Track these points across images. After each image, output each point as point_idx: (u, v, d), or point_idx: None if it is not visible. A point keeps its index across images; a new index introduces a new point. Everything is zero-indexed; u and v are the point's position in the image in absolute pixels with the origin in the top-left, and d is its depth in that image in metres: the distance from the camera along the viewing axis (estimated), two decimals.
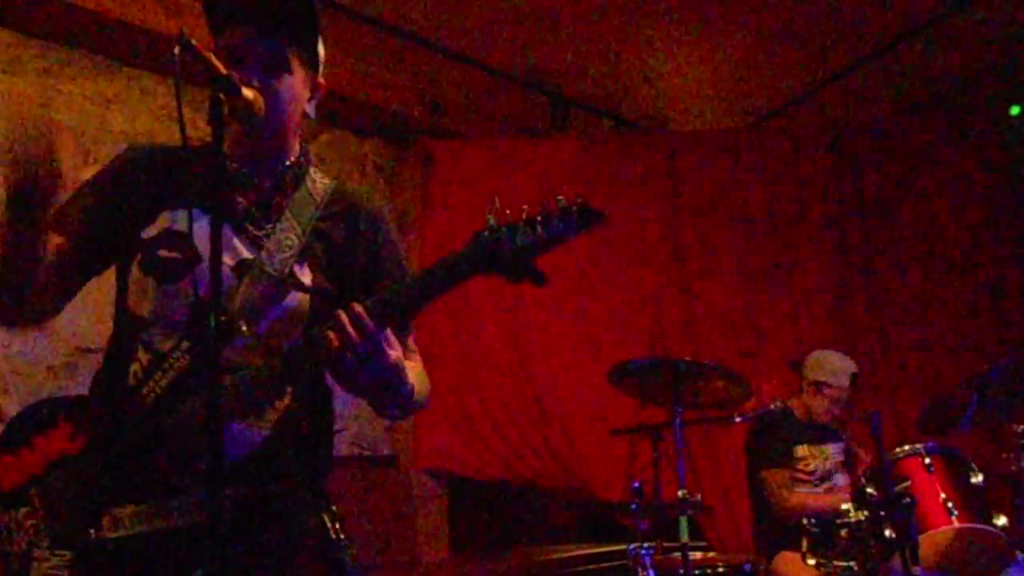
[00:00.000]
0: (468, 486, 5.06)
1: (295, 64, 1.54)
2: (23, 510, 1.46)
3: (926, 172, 5.01)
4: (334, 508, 1.61)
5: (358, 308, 1.36)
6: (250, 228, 1.54)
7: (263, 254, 1.52)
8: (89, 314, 3.86)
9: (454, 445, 4.89)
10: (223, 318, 1.43)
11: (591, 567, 4.27)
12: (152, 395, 1.46)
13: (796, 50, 4.78)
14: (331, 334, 1.36)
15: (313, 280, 1.55)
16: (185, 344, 1.46)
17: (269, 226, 1.55)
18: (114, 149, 4.21)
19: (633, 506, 3.29)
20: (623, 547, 3.41)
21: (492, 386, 4.87)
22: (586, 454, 4.71)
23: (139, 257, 1.51)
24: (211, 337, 1.25)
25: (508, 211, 1.36)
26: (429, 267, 1.39)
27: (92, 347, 3.74)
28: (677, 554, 3.20)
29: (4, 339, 3.68)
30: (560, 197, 1.32)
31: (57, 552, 1.43)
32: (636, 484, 3.40)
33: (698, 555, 3.58)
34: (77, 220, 1.54)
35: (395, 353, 1.42)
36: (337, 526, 1.58)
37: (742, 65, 4.97)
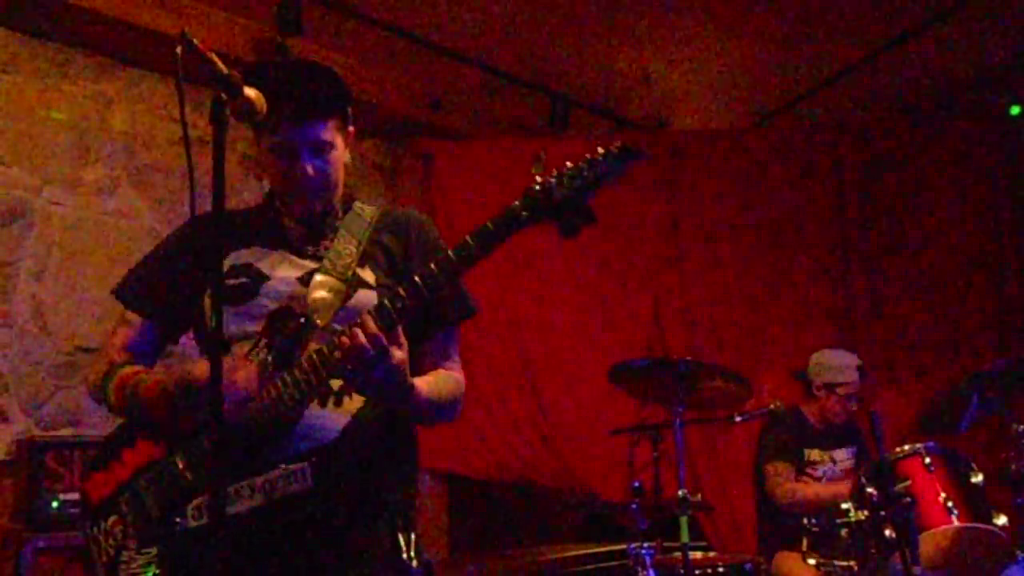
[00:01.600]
0: (468, 486, 5.06)
1: (337, 138, 1.70)
2: (112, 519, 1.57)
3: (926, 172, 5.01)
4: (413, 531, 1.65)
5: (366, 318, 1.45)
6: (309, 248, 1.71)
7: (326, 262, 1.66)
8: (89, 314, 3.87)
9: (454, 445, 4.88)
10: (301, 319, 1.58)
11: (591, 567, 4.27)
12: None
13: (796, 50, 4.78)
14: (343, 339, 1.45)
15: (376, 279, 1.68)
16: (263, 342, 1.58)
17: (326, 242, 1.71)
18: (114, 149, 4.26)
19: (633, 506, 3.29)
20: (623, 547, 3.41)
21: (492, 386, 4.86)
22: (586, 454, 4.70)
23: (208, 292, 1.64)
24: (214, 339, 1.29)
25: (541, 161, 1.49)
26: (485, 224, 1.49)
27: (92, 347, 3.74)
28: (677, 554, 3.20)
29: (4, 339, 3.68)
30: (599, 146, 1.47)
31: (144, 551, 1.52)
32: (636, 484, 3.40)
33: (698, 555, 3.58)
34: (154, 298, 1.74)
35: (400, 354, 1.48)
36: (412, 550, 1.63)
37: (743, 65, 4.97)
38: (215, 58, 1.32)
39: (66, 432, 3.73)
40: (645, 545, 3.22)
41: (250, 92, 1.36)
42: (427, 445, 5.54)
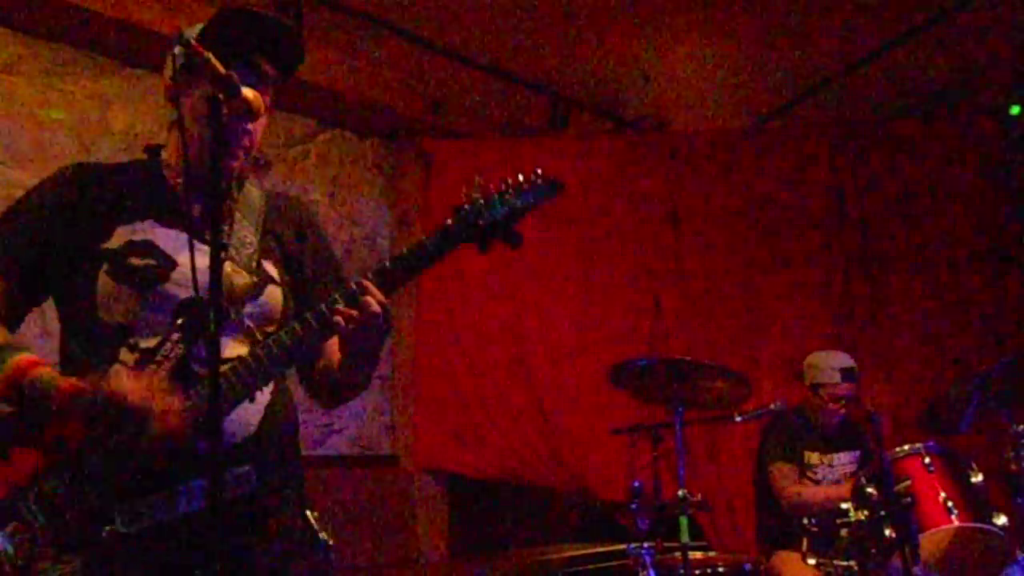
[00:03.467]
0: (468, 486, 5.06)
1: (265, 109, 1.61)
2: (10, 526, 1.41)
3: (926, 172, 5.00)
4: (314, 509, 1.68)
5: (367, 284, 1.51)
6: (207, 233, 1.55)
7: (231, 251, 1.60)
8: None
9: (454, 445, 4.89)
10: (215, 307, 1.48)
11: (591, 567, 4.27)
12: None
13: (796, 50, 4.77)
14: (347, 309, 1.49)
15: (279, 275, 1.67)
16: (176, 336, 1.48)
17: (226, 228, 1.63)
18: (114, 149, 4.25)
19: (633, 506, 3.29)
20: (623, 547, 3.41)
21: (492, 386, 4.87)
22: (586, 454, 4.70)
23: (106, 268, 1.53)
24: (212, 335, 1.28)
25: (478, 186, 1.57)
26: (419, 241, 1.55)
27: None
28: (677, 554, 3.20)
29: None
30: (520, 174, 1.57)
31: (64, 559, 1.39)
32: (636, 484, 3.40)
33: (698, 555, 3.58)
34: (13, 256, 1.57)
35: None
36: (323, 529, 1.66)
37: (742, 65, 4.96)
38: (213, 58, 1.32)
39: None
40: (645, 545, 3.22)
41: (248, 93, 1.36)
42: (427, 445, 5.57)
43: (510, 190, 1.54)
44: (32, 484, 1.42)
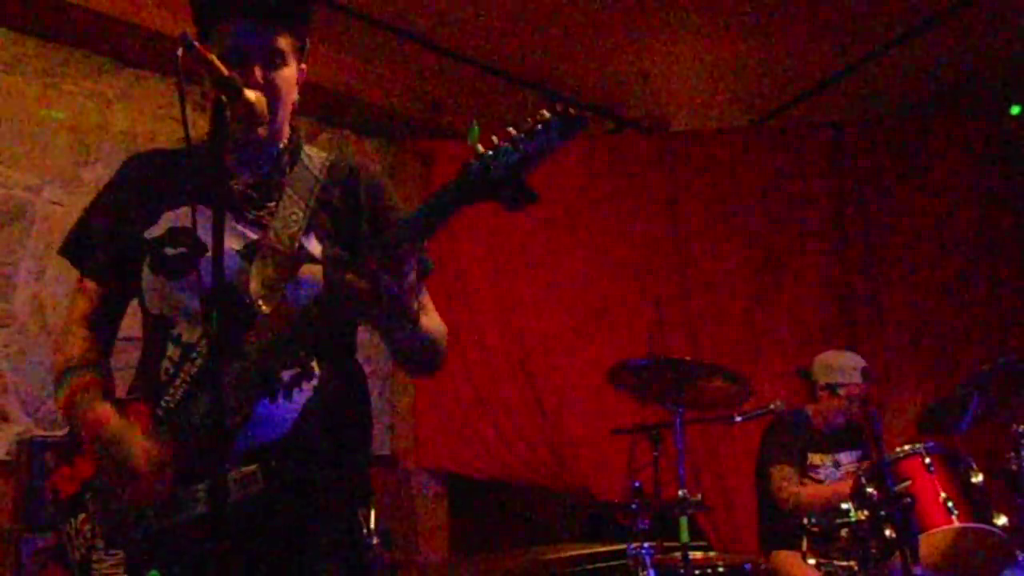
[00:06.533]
0: (468, 486, 5.06)
1: (289, 55, 1.58)
2: (81, 516, 1.51)
3: (926, 172, 5.00)
4: (371, 504, 1.63)
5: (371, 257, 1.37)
6: (251, 211, 1.58)
7: (270, 233, 1.55)
8: None
9: (454, 445, 4.89)
10: (246, 302, 1.48)
11: (591, 567, 4.27)
12: (183, 387, 1.50)
13: (796, 50, 4.78)
14: (355, 278, 1.37)
15: (323, 251, 1.58)
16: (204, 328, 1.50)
17: (271, 204, 1.59)
18: (114, 149, 4.25)
19: (633, 506, 3.29)
20: (623, 547, 3.41)
21: (492, 386, 4.87)
22: (586, 454, 4.70)
23: (148, 259, 1.55)
24: (212, 331, 1.29)
25: (493, 136, 1.35)
26: (422, 204, 1.39)
27: None
28: (677, 554, 3.20)
29: (4, 339, 3.68)
30: (542, 111, 1.33)
31: (112, 552, 1.47)
32: (636, 484, 3.40)
33: (698, 555, 3.58)
34: (96, 256, 1.62)
35: (412, 276, 1.42)
36: (370, 524, 1.61)
37: (742, 65, 4.97)
38: (215, 60, 1.32)
39: (66, 432, 3.73)
40: (645, 545, 3.22)
41: (250, 95, 1.36)
42: (427, 445, 5.55)
43: (521, 135, 1.33)
44: (94, 479, 1.52)
